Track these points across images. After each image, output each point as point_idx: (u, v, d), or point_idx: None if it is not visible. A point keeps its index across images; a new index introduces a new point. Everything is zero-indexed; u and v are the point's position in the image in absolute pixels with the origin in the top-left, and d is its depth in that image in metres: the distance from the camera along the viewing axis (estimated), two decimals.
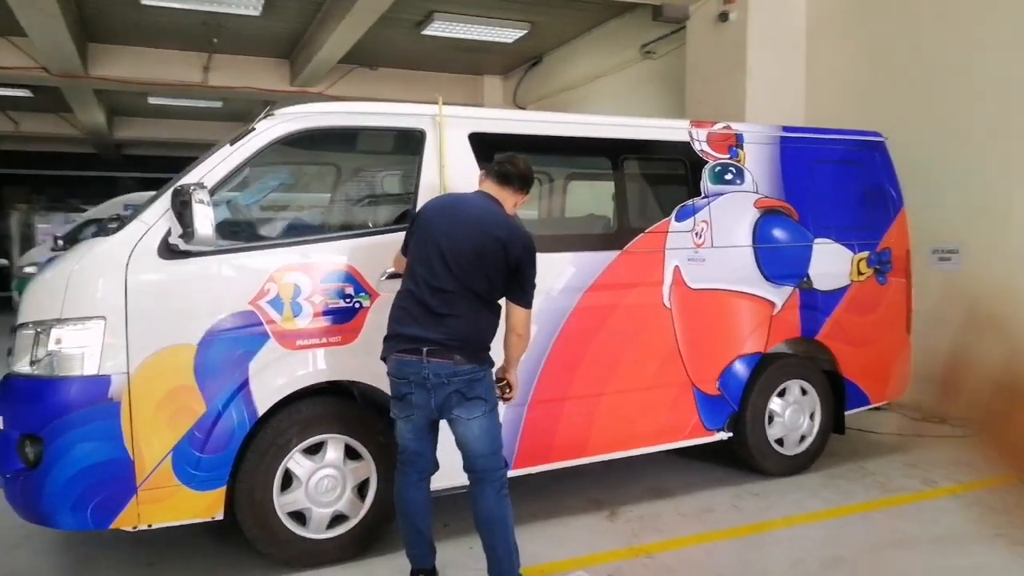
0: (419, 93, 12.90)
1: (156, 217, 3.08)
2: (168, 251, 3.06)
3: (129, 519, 3.03)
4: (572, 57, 11.19)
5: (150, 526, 3.08)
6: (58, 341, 2.96)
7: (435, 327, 2.82)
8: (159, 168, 21.34)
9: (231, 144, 3.26)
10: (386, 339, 2.96)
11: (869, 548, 3.48)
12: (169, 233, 3.06)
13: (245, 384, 3.14)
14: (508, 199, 3.07)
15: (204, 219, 2.90)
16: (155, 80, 11.28)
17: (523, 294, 2.95)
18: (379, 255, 3.39)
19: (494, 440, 2.90)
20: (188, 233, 2.92)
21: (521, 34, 10.25)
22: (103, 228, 9.34)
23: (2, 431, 3.08)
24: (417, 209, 3.19)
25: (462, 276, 2.84)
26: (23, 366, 3.05)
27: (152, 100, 14.16)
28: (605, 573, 3.25)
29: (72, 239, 12.95)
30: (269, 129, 3.31)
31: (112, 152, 19.63)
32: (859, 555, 3.41)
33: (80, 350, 2.95)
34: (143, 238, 3.04)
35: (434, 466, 3.05)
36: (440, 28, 9.87)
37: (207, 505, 3.13)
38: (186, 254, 3.07)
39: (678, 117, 8.68)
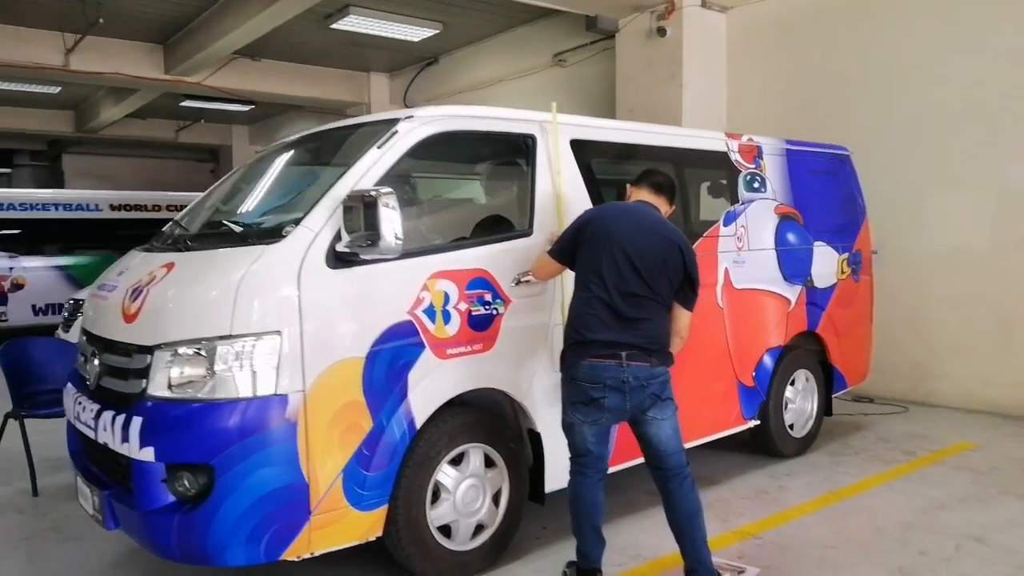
0: (303, 87, 12.41)
1: (321, 223, 2.88)
2: (335, 259, 2.87)
3: (300, 547, 2.82)
4: (473, 59, 11.30)
5: (312, 554, 2.88)
6: (228, 360, 2.68)
7: (631, 331, 2.93)
8: None
9: (378, 148, 3.11)
10: (573, 345, 3.01)
11: (920, 511, 4.03)
12: (336, 240, 2.88)
13: (405, 397, 3.03)
14: (662, 208, 3.24)
15: (391, 225, 2.77)
16: (12, 61, 9.81)
17: (693, 297, 3.14)
18: (508, 261, 3.40)
19: (681, 437, 3.06)
20: (374, 240, 2.78)
21: (431, 33, 10.19)
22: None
23: (139, 463, 2.74)
24: (578, 217, 3.22)
25: (651, 281, 2.97)
26: (176, 390, 2.73)
27: None
28: (734, 554, 3.51)
29: None
30: (412, 131, 3.21)
31: None
32: (918, 518, 3.94)
33: (255, 369, 2.70)
34: (312, 246, 2.83)
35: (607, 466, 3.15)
36: (351, 23, 9.57)
37: (369, 526, 2.98)
38: (351, 262, 2.90)
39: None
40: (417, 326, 3.07)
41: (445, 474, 3.20)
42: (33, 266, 12.02)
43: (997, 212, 6.16)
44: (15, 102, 14.45)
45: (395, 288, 3.03)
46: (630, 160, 4.24)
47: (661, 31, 7.74)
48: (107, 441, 2.89)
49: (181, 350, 2.73)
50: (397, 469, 3.01)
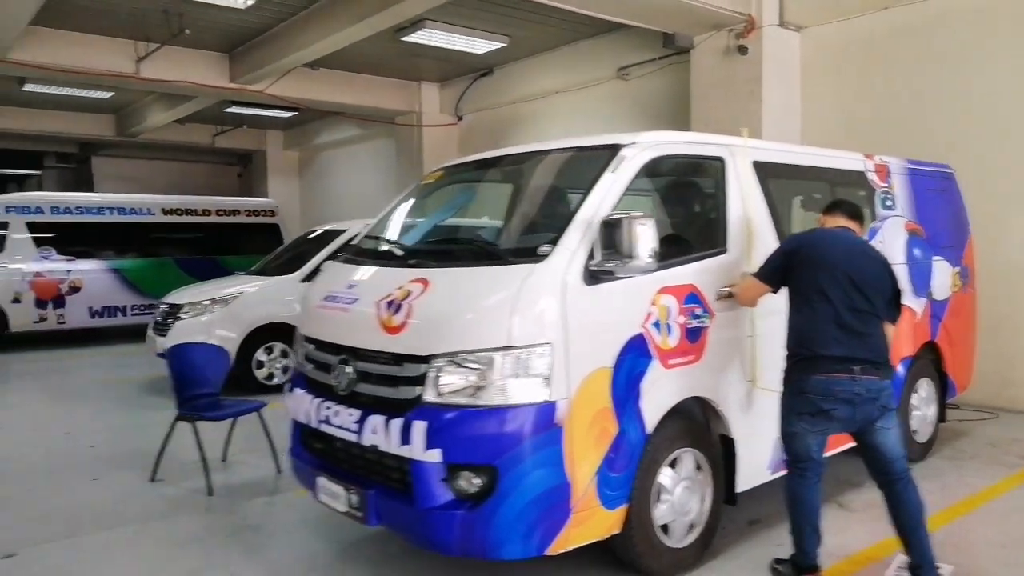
0: (357, 96, 12.63)
1: (576, 243, 3.12)
2: (591, 276, 3.12)
3: (561, 543, 3.05)
4: (531, 71, 11.56)
5: (566, 549, 3.11)
6: (506, 369, 2.92)
7: (860, 346, 3.19)
8: None
9: (612, 172, 3.35)
10: (802, 360, 3.25)
11: None
12: (590, 258, 3.12)
13: (639, 404, 3.27)
14: (856, 231, 3.52)
15: (647, 245, 3.03)
16: (82, 68, 9.99)
17: (898, 312, 3.41)
18: (711, 277, 3.66)
19: (904, 442, 3.33)
20: (629, 258, 3.02)
21: (497, 47, 10.44)
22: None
23: (420, 463, 2.97)
24: (783, 243, 3.50)
25: (871, 297, 3.24)
26: (455, 397, 2.96)
27: (29, 88, 12.43)
28: None
29: None
30: (637, 156, 3.45)
31: None
32: None
33: (531, 377, 2.94)
34: (571, 264, 3.08)
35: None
36: (423, 36, 9.80)
37: (612, 523, 3.21)
38: (601, 279, 3.15)
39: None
40: (648, 338, 3.32)
41: (665, 476, 3.45)
42: (89, 269, 12.16)
43: None
44: (56, 105, 14.56)
45: (632, 303, 3.28)
46: (794, 178, 4.49)
47: (742, 49, 8.02)
48: (377, 443, 3.11)
49: (458, 360, 2.96)
50: (635, 471, 3.25)
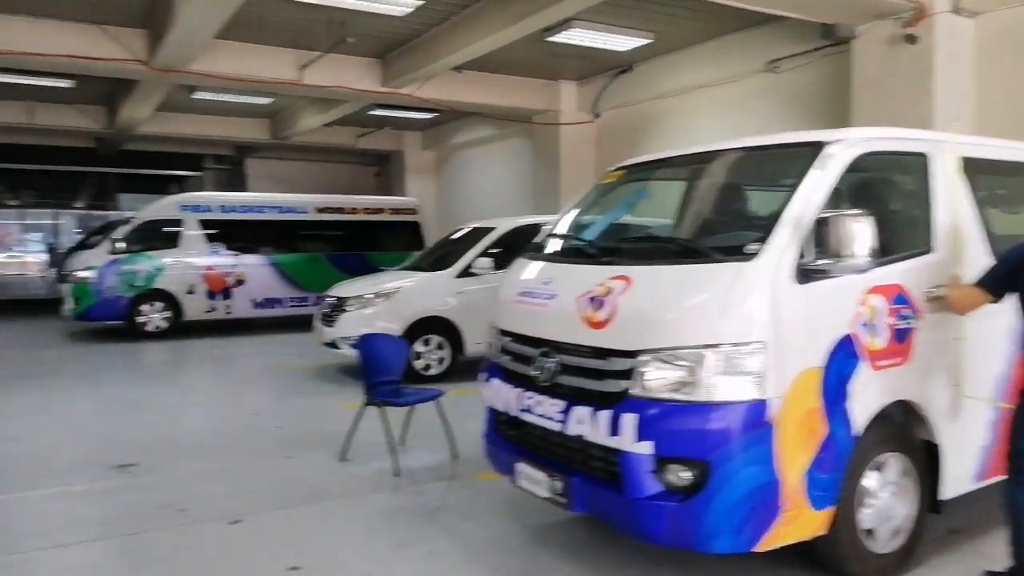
0: (498, 96, 12.92)
1: (786, 241, 3.13)
2: (802, 275, 3.12)
3: (769, 541, 3.08)
4: (673, 67, 11.44)
5: (772, 547, 3.13)
6: (719, 366, 2.98)
7: None
8: (148, 164, 20.53)
9: (820, 170, 3.33)
10: None
11: None
12: (800, 257, 3.13)
13: (847, 406, 3.24)
14: None
15: (864, 243, 3.00)
16: (251, 77, 10.80)
17: None
18: (918, 277, 3.55)
19: None
20: (842, 257, 3.01)
21: (642, 43, 10.42)
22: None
23: (631, 455, 3.08)
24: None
25: None
26: (665, 391, 3.05)
27: (198, 95, 13.53)
28: None
29: (130, 241, 12.29)
30: (843, 153, 3.41)
31: (109, 148, 18.58)
32: None
33: (744, 375, 2.99)
34: (782, 262, 3.10)
35: None
36: (569, 36, 9.92)
37: (819, 524, 3.20)
38: (811, 278, 3.14)
39: (802, 127, 9.14)
40: (856, 339, 3.28)
41: (871, 480, 3.39)
42: (252, 263, 13.10)
43: None
44: (219, 111, 15.73)
45: (842, 303, 3.25)
46: (1008, 175, 4.28)
47: (911, 38, 7.64)
48: (584, 433, 3.26)
49: (668, 356, 3.05)
50: (843, 473, 3.22)
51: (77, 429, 6.45)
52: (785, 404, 3.04)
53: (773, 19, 9.50)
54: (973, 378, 3.64)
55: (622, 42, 10.35)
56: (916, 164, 3.74)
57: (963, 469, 3.73)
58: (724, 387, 2.98)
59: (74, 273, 12.17)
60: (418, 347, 8.40)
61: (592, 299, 3.38)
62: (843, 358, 3.22)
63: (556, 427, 3.41)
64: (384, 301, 8.45)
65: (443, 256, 9.42)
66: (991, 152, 4.12)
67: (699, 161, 4.19)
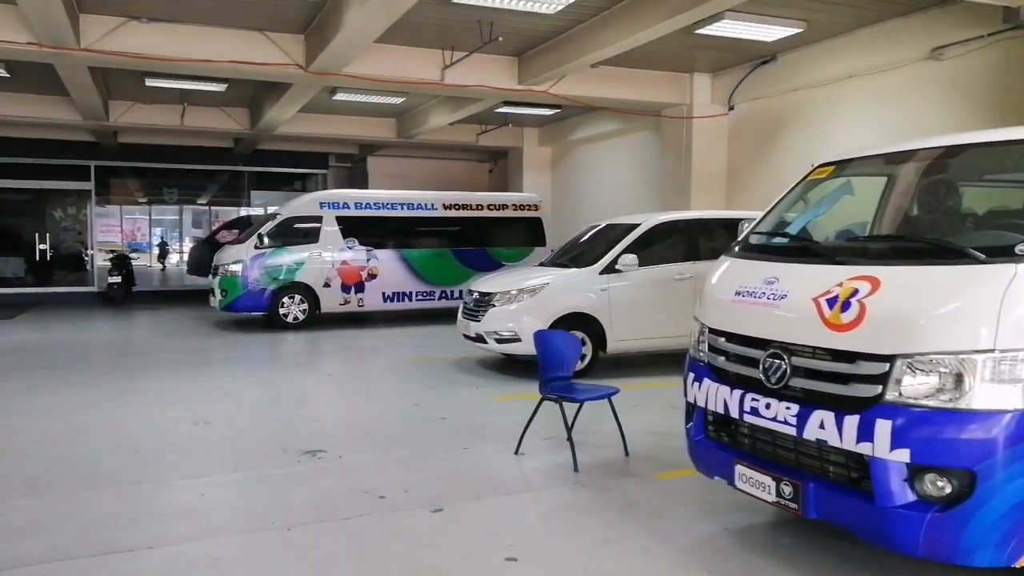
0: (628, 91, 12.79)
1: None
2: None
3: (1020, 558, 2.90)
4: (820, 56, 10.98)
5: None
6: (989, 372, 2.83)
7: None
8: (277, 163, 21.54)
9: None
10: None
11: None
12: None
13: None
14: None
15: None
16: (397, 78, 11.13)
17: None
18: None
19: None
20: None
21: (792, 32, 10.06)
22: None
23: (883, 462, 2.96)
24: None
25: None
26: (925, 398, 2.92)
27: (339, 97, 14.03)
28: None
29: (274, 236, 12.91)
30: None
31: (245, 147, 19.59)
32: None
33: (1016, 383, 2.82)
34: None
35: None
36: (721, 28, 9.69)
37: None
38: None
39: (970, 121, 8.60)
40: None
41: None
42: (383, 258, 13.51)
43: None
44: (353, 111, 16.28)
45: None
46: None
47: None
48: (826, 439, 3.16)
49: (931, 361, 2.91)
50: None
51: (257, 415, 6.82)
52: None
53: (938, 3, 8.98)
54: None
55: (771, 32, 10.02)
56: None
57: None
58: (994, 395, 2.82)
59: (224, 266, 12.89)
60: None
61: (831, 300, 3.27)
62: None
63: (790, 431, 3.33)
64: (530, 297, 8.52)
65: (582, 252, 9.43)
66: None
67: (928, 157, 3.98)
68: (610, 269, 8.59)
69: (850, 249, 3.69)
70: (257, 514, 4.39)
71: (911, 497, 2.96)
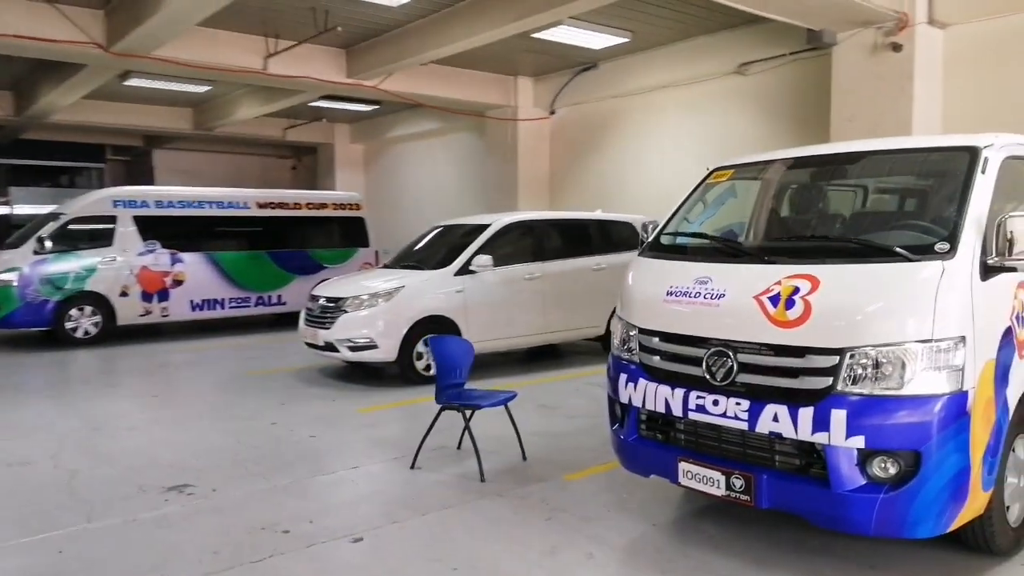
0: (457, 90, 12.79)
1: (973, 240, 3.31)
2: (985, 271, 3.31)
3: (957, 522, 3.27)
4: (639, 66, 11.72)
5: (947, 530, 3.31)
6: (928, 360, 3.12)
7: None
8: (43, 155, 18.83)
9: (983, 173, 3.53)
10: None
11: None
12: (983, 254, 3.31)
13: (1006, 392, 3.47)
14: None
15: None
16: (215, 64, 10.13)
17: None
18: None
19: None
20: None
21: (619, 42, 10.60)
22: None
23: (836, 449, 3.17)
24: None
25: None
26: (871, 387, 3.15)
27: (132, 82, 12.56)
28: None
29: (58, 240, 11.25)
30: (996, 156, 3.62)
31: (6, 137, 16.94)
32: None
33: (952, 368, 3.14)
34: (973, 260, 3.27)
35: None
36: (555, 34, 9.95)
37: (981, 505, 3.40)
38: (990, 274, 3.33)
39: (773, 132, 9.66)
40: (1013, 330, 3.51)
41: (1012, 461, 3.64)
42: (190, 262, 12.28)
43: None
44: (141, 98, 14.64)
45: (1005, 297, 3.47)
46: None
47: (896, 47, 8.19)
48: (780, 431, 3.31)
49: (878, 352, 3.15)
50: (999, 456, 3.44)
51: (85, 449, 5.85)
52: (976, 394, 3.22)
53: (747, 23, 9.93)
54: None
55: (600, 40, 10.50)
56: None
57: None
58: (932, 380, 3.12)
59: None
60: (420, 347, 8.19)
61: (774, 298, 3.43)
62: (1006, 349, 3.44)
63: (741, 426, 3.44)
64: (385, 301, 8.17)
65: (429, 253, 9.23)
66: None
67: (830, 162, 4.33)
68: (465, 270, 8.47)
69: (779, 249, 3.90)
70: (147, 570, 3.73)
71: (863, 481, 3.18)
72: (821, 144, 4.44)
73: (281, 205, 13.75)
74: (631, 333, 4.08)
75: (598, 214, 9.99)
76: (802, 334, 3.33)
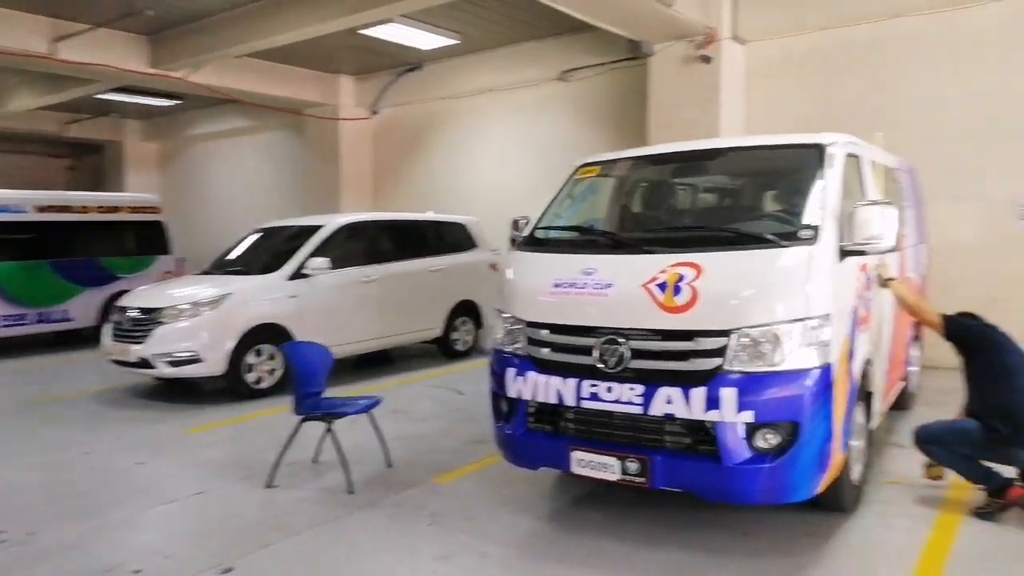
0: (276, 86, 12.14)
1: (832, 227, 3.63)
2: (842, 255, 3.64)
3: (823, 484, 3.56)
4: (466, 69, 11.76)
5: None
6: (803, 337, 3.38)
7: None
8: None
9: (830, 168, 3.88)
10: None
11: None
12: (839, 240, 3.65)
13: (853, 364, 3.85)
14: None
15: (894, 228, 3.63)
16: None
17: None
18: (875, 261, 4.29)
19: None
20: (878, 239, 3.60)
21: (448, 43, 10.57)
22: None
23: (726, 425, 3.33)
24: None
25: None
26: (756, 364, 3.35)
27: None
28: None
29: None
30: (839, 153, 4.00)
31: None
32: None
33: (821, 344, 3.42)
34: (834, 245, 3.59)
35: None
36: (384, 31, 9.71)
37: (838, 467, 3.73)
38: (844, 257, 3.68)
39: (595, 137, 10.21)
40: (856, 308, 3.91)
41: (855, 427, 4.04)
42: None
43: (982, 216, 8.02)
44: None
45: (853, 279, 3.85)
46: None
47: (706, 59, 8.91)
48: (674, 412, 3.42)
49: (761, 332, 3.36)
50: (850, 422, 3.81)
51: None
52: (837, 367, 3.54)
53: (571, 31, 10.34)
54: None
55: (429, 40, 10.40)
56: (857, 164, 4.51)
57: (880, 407, 4.61)
58: (807, 356, 3.39)
59: None
60: (250, 359, 7.60)
61: (662, 285, 3.55)
62: (853, 324, 3.83)
63: (635, 410, 3.51)
64: (211, 310, 7.48)
65: (254, 257, 8.61)
66: (881, 158, 5.10)
67: (692, 158, 4.56)
68: (298, 274, 7.98)
69: (657, 239, 4.01)
70: None
71: (749, 454, 3.37)
72: (683, 141, 4.66)
73: (65, 209, 12.17)
74: (516, 327, 4.03)
75: (430, 215, 9.88)
76: (691, 318, 3.47)
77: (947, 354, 4.36)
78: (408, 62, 12.08)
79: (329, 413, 4.80)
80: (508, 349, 4.09)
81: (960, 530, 3.83)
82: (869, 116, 8.32)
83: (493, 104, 11.81)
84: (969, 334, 4.06)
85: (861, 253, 3.72)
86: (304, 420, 4.83)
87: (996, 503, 3.93)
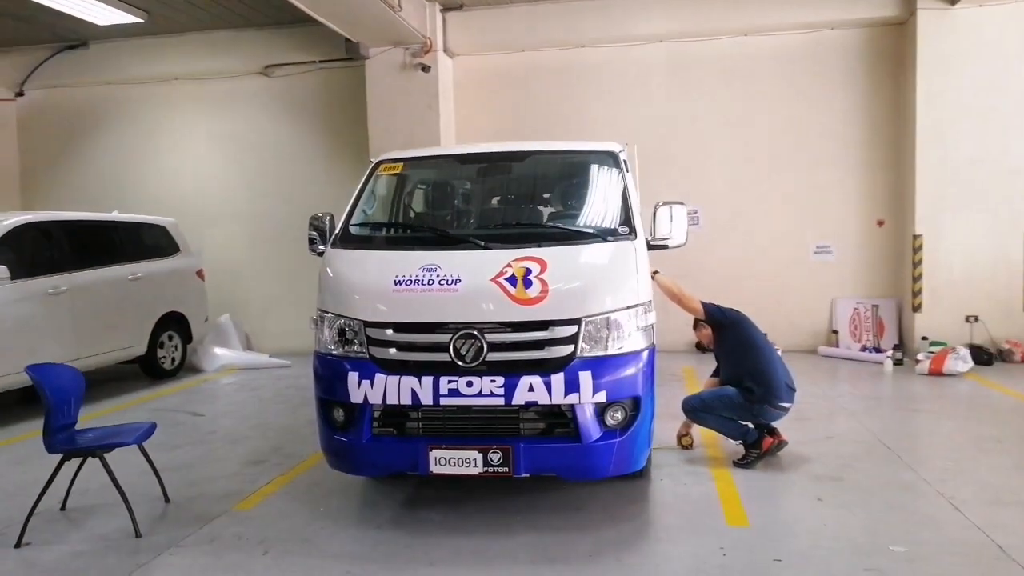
0: None
1: (640, 225, 4.11)
2: (648, 249, 4.16)
3: (649, 452, 4.06)
4: (147, 51, 10.45)
5: None
6: (636, 322, 3.80)
7: None
8: None
9: (628, 172, 4.39)
10: None
11: None
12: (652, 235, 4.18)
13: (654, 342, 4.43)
14: None
15: (684, 225, 4.25)
16: None
17: None
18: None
19: None
20: (673, 235, 4.21)
21: (131, 21, 9.27)
22: None
23: (583, 407, 3.62)
24: None
25: None
26: (603, 348, 3.68)
27: None
28: None
29: None
30: (624, 157, 4.54)
31: None
32: None
33: (646, 327, 3.88)
34: (643, 239, 4.08)
35: None
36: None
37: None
38: (651, 250, 4.22)
39: (299, 135, 10.02)
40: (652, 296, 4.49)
41: None
42: None
43: None
44: None
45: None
46: None
47: (425, 68, 9.20)
48: (537, 399, 3.59)
49: (604, 319, 3.70)
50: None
51: None
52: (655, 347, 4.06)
53: (274, 24, 9.88)
54: None
55: (108, 15, 9.02)
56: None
57: None
58: (640, 338, 3.82)
59: None
60: None
61: (511, 279, 3.69)
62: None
63: (497, 402, 3.60)
64: None
65: None
66: None
67: (497, 159, 4.72)
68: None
69: (492, 236, 4.08)
70: None
71: (601, 431, 3.68)
72: (486, 142, 4.86)
73: None
74: (350, 329, 3.82)
75: (115, 215, 8.60)
76: (544, 309, 3.67)
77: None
78: (69, 37, 10.29)
79: (99, 446, 4.00)
80: (338, 352, 3.87)
81: (734, 478, 4.63)
82: (553, 130, 9.36)
83: (185, 94, 10.66)
84: (724, 316, 4.93)
85: (663, 247, 4.30)
86: (65, 459, 3.96)
87: (754, 453, 4.83)
